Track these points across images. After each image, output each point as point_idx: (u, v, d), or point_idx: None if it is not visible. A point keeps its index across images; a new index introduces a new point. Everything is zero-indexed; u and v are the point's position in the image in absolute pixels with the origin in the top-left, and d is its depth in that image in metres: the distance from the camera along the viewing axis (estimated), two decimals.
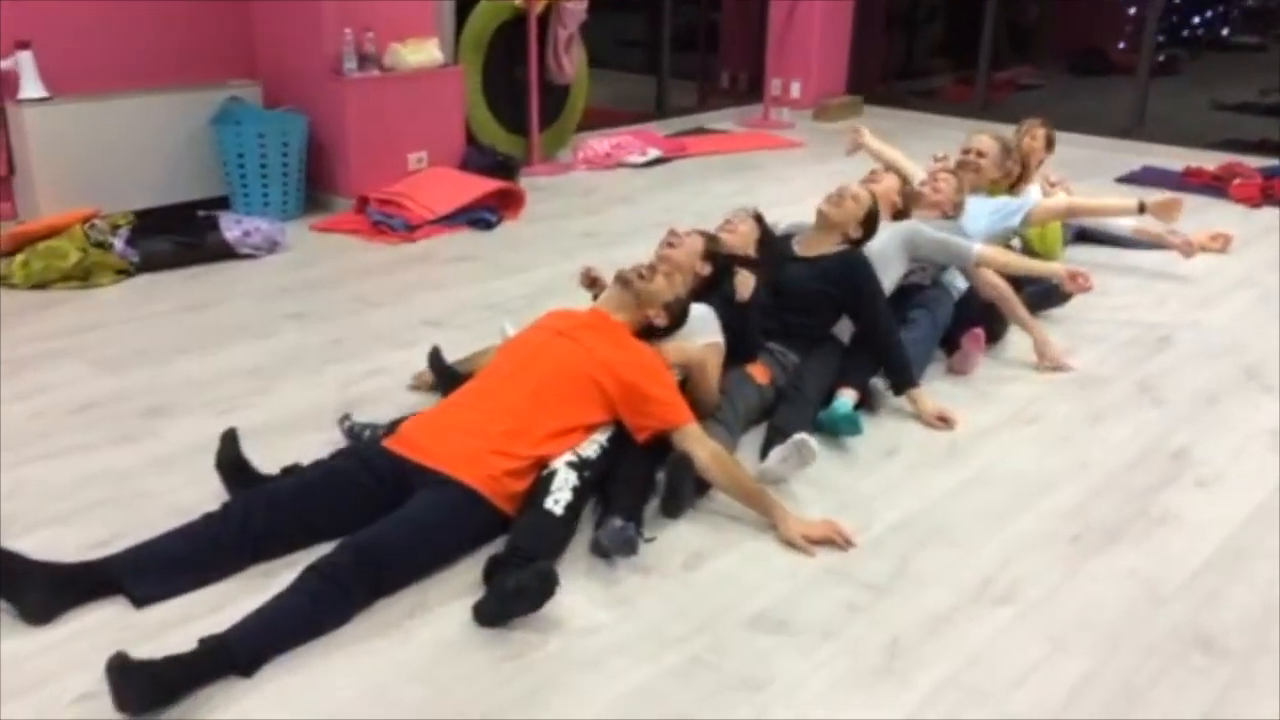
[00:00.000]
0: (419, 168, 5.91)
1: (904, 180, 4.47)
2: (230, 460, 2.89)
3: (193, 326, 4.26)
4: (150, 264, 4.81)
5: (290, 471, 2.92)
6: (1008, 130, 5.31)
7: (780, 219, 4.29)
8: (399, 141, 5.82)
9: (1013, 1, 9.15)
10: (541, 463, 2.86)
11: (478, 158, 6.13)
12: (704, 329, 3.42)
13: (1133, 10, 8.80)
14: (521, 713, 2.27)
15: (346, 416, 3.33)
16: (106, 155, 5.17)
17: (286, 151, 5.49)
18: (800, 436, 3.12)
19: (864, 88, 9.21)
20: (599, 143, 7.23)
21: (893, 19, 9.65)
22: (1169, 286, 5.01)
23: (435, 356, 3.57)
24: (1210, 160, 7.10)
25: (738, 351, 3.50)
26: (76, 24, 5.18)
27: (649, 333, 3.26)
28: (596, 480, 2.92)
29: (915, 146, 5.97)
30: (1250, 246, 5.62)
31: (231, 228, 5.04)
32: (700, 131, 8.25)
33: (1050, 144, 5.33)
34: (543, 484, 2.80)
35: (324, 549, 2.55)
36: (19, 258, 4.62)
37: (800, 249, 3.91)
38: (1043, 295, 4.40)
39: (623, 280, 3.24)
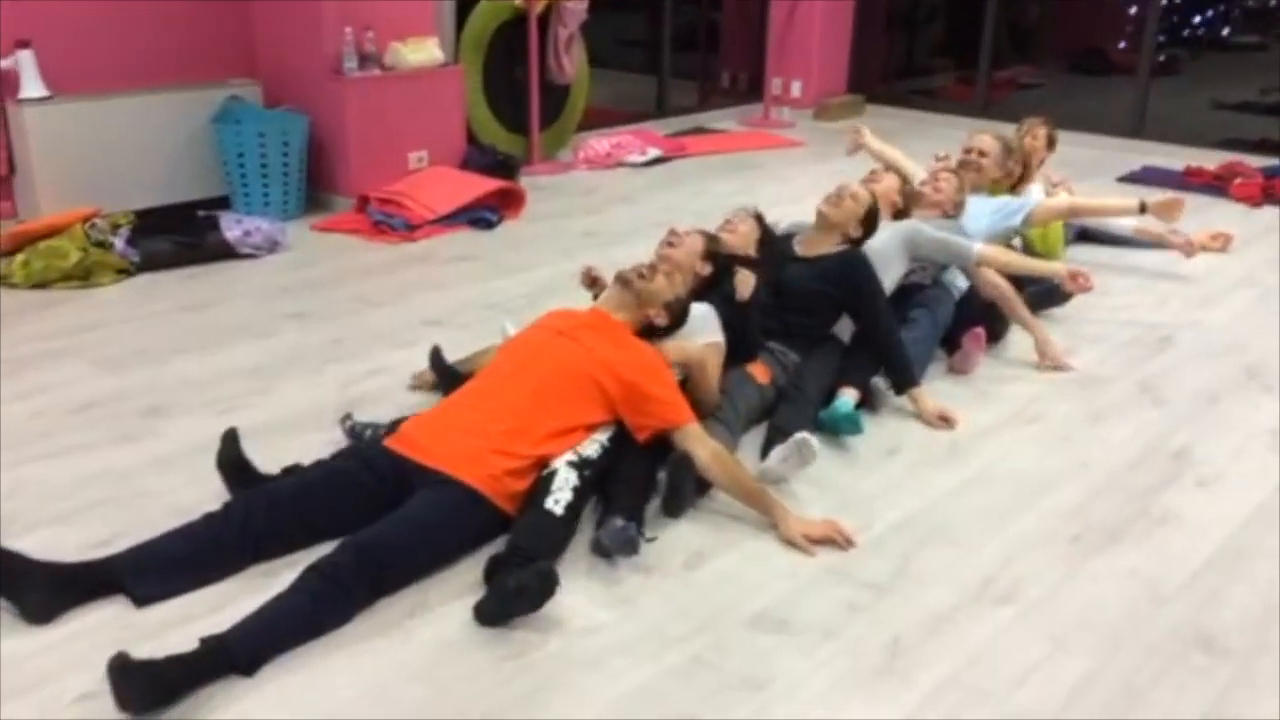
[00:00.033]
0: (419, 167, 5.91)
1: (904, 180, 4.47)
2: (231, 460, 2.89)
3: (193, 326, 4.26)
4: (151, 263, 4.81)
5: (291, 471, 2.92)
6: (1009, 129, 5.31)
7: (781, 218, 4.29)
8: (399, 141, 5.82)
9: (1013, 1, 9.14)
10: (542, 462, 2.86)
11: (478, 157, 6.13)
12: (704, 328, 3.42)
13: (1133, 10, 8.79)
14: (522, 712, 2.27)
15: (347, 416, 3.33)
16: (107, 155, 5.17)
17: (287, 151, 5.49)
18: (801, 436, 3.12)
19: (865, 87, 9.20)
20: (599, 142, 7.22)
21: (893, 18, 9.64)
22: (1170, 286, 5.01)
23: (436, 356, 3.57)
24: (1211, 160, 7.10)
25: (738, 351, 3.50)
26: (77, 23, 5.18)
27: (649, 332, 3.25)
28: (597, 480, 2.92)
29: (916, 146, 5.97)
30: (1251, 246, 5.62)
31: (232, 227, 5.04)
32: (700, 131, 8.25)
33: (1051, 143, 5.33)
34: (543, 484, 2.80)
35: (325, 549, 2.56)
36: (19, 257, 4.62)
37: (801, 249, 3.91)
38: (1044, 295, 4.40)
39: (623, 280, 3.24)
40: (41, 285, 4.57)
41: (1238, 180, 6.59)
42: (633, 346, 3.13)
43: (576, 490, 2.81)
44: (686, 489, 2.95)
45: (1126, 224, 5.36)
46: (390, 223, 5.45)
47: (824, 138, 8.06)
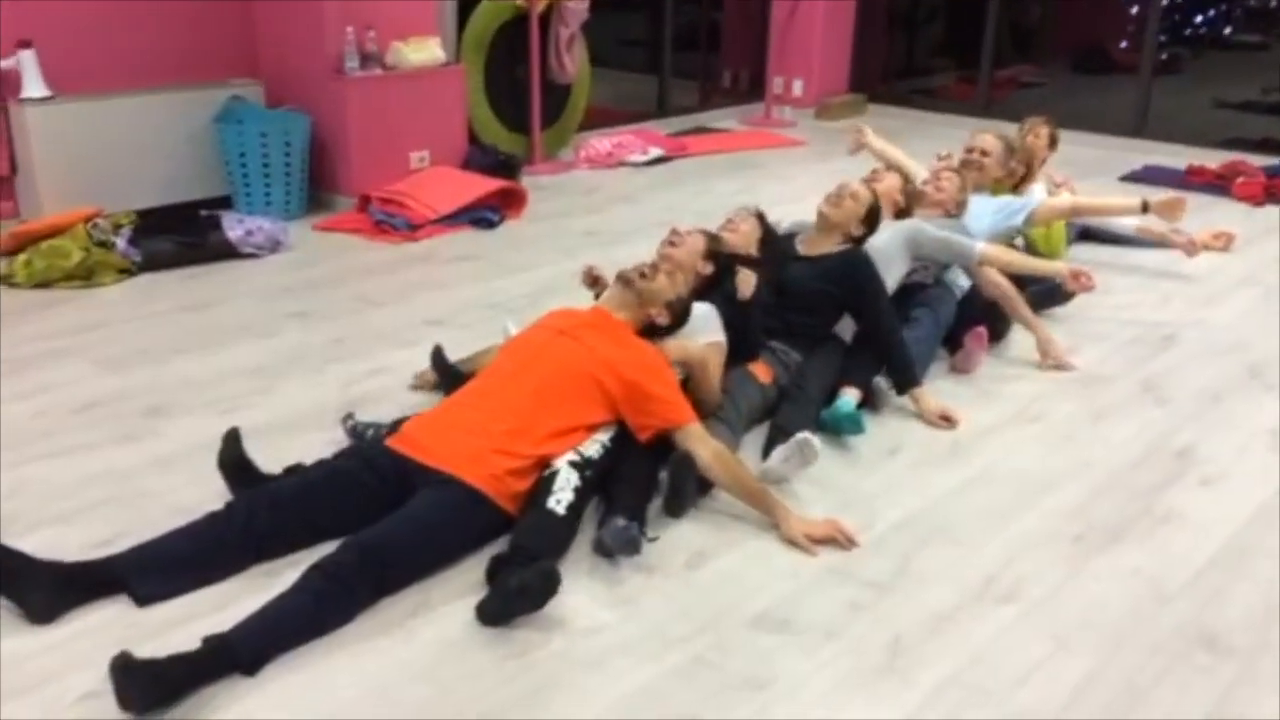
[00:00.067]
0: (421, 167, 5.91)
1: (906, 179, 4.46)
2: (233, 459, 2.89)
3: (195, 326, 4.26)
4: (152, 263, 4.81)
5: (293, 471, 2.92)
6: (1010, 129, 5.30)
7: (782, 218, 4.29)
8: (401, 140, 5.82)
9: (1015, 0, 9.14)
10: (544, 462, 2.86)
11: (480, 157, 6.13)
12: (706, 328, 3.42)
13: (1135, 9, 8.79)
14: (524, 712, 2.27)
15: (349, 416, 3.33)
16: (109, 154, 5.17)
17: (289, 151, 5.49)
18: (803, 435, 3.11)
19: (866, 86, 9.20)
20: (601, 142, 7.22)
21: (895, 17, 9.63)
22: (1172, 285, 5.00)
23: (437, 356, 3.57)
24: (1213, 159, 7.09)
25: (740, 350, 3.50)
26: (78, 23, 5.19)
27: (651, 331, 3.25)
28: (598, 480, 2.92)
29: (918, 145, 5.97)
30: (1253, 245, 5.61)
31: (234, 227, 5.04)
32: (702, 130, 8.24)
33: (1054, 142, 5.33)
34: (545, 484, 2.80)
35: (327, 548, 2.56)
36: (21, 257, 4.62)
37: (803, 248, 3.91)
38: (1045, 294, 4.39)
39: (625, 279, 3.24)
40: (43, 285, 4.58)
41: (1240, 179, 6.58)
42: (634, 346, 3.13)
43: (578, 490, 2.81)
44: (688, 489, 2.95)
45: (1129, 223, 5.36)
46: (392, 222, 5.45)
47: (825, 137, 8.05)
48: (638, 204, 6.22)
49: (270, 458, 2.97)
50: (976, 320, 4.04)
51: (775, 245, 3.93)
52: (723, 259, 3.60)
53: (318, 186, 5.77)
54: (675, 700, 2.31)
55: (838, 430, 3.43)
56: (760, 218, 3.94)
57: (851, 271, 3.72)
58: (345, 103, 5.59)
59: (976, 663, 2.45)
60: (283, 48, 5.73)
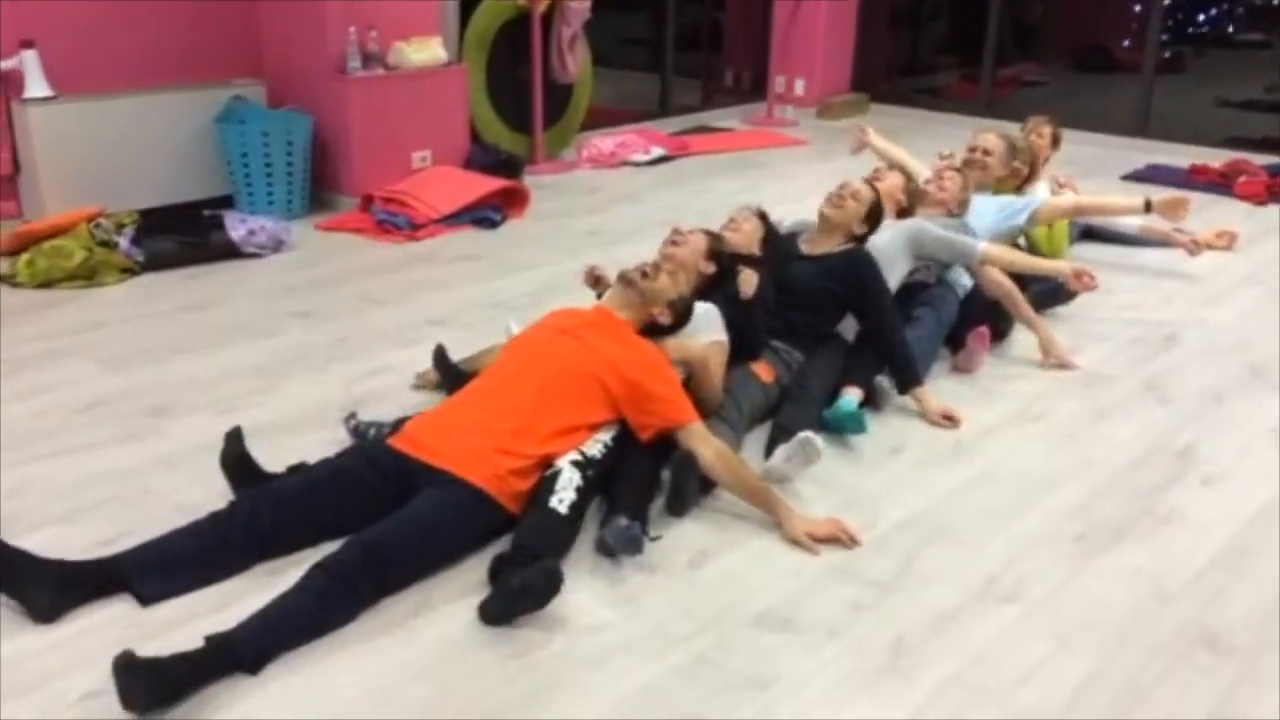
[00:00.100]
0: (423, 166, 5.91)
1: (908, 178, 4.46)
2: (235, 459, 2.89)
3: (197, 325, 4.27)
4: (155, 263, 4.81)
5: (296, 470, 2.92)
6: (1013, 128, 5.30)
7: (784, 217, 4.29)
8: (403, 140, 5.82)
9: None
10: (546, 461, 2.86)
11: (482, 156, 6.13)
12: (708, 327, 3.42)
13: (1137, 7, 8.78)
14: (526, 711, 2.27)
15: (352, 415, 3.33)
16: (111, 154, 5.18)
17: (291, 150, 5.49)
18: (805, 435, 3.11)
19: (868, 85, 9.19)
20: (603, 141, 7.22)
21: (897, 16, 9.63)
22: (1175, 284, 5.00)
23: (440, 355, 3.57)
24: (1216, 158, 7.09)
25: (742, 350, 3.50)
26: (81, 23, 5.19)
27: (653, 331, 3.25)
28: (601, 479, 2.93)
29: (920, 144, 5.97)
30: (1256, 244, 5.61)
31: (236, 227, 5.04)
32: (704, 130, 8.24)
33: (1056, 141, 5.33)
34: (547, 483, 2.80)
35: (330, 547, 2.56)
36: (24, 257, 4.63)
37: (805, 247, 3.91)
38: (1048, 293, 4.39)
39: (627, 279, 3.24)
40: (46, 285, 4.58)
41: (1242, 178, 6.58)
42: (636, 345, 3.13)
43: (580, 490, 2.81)
44: (690, 488, 2.95)
45: (1131, 222, 5.35)
46: (394, 222, 5.45)
47: (827, 136, 8.05)
48: (640, 203, 6.22)
49: (273, 457, 2.98)
50: (979, 319, 4.04)
51: (777, 244, 3.93)
52: (725, 258, 3.60)
53: (320, 186, 5.77)
54: (678, 699, 2.32)
55: (840, 429, 3.43)
56: (762, 217, 3.94)
57: (854, 270, 3.72)
58: (347, 102, 5.59)
59: (978, 662, 2.45)
60: (285, 48, 5.73)
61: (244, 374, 3.83)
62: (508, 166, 6.11)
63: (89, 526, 2.85)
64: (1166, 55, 8.36)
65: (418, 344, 3.97)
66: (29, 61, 4.95)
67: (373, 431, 3.19)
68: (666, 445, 3.00)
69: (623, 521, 2.73)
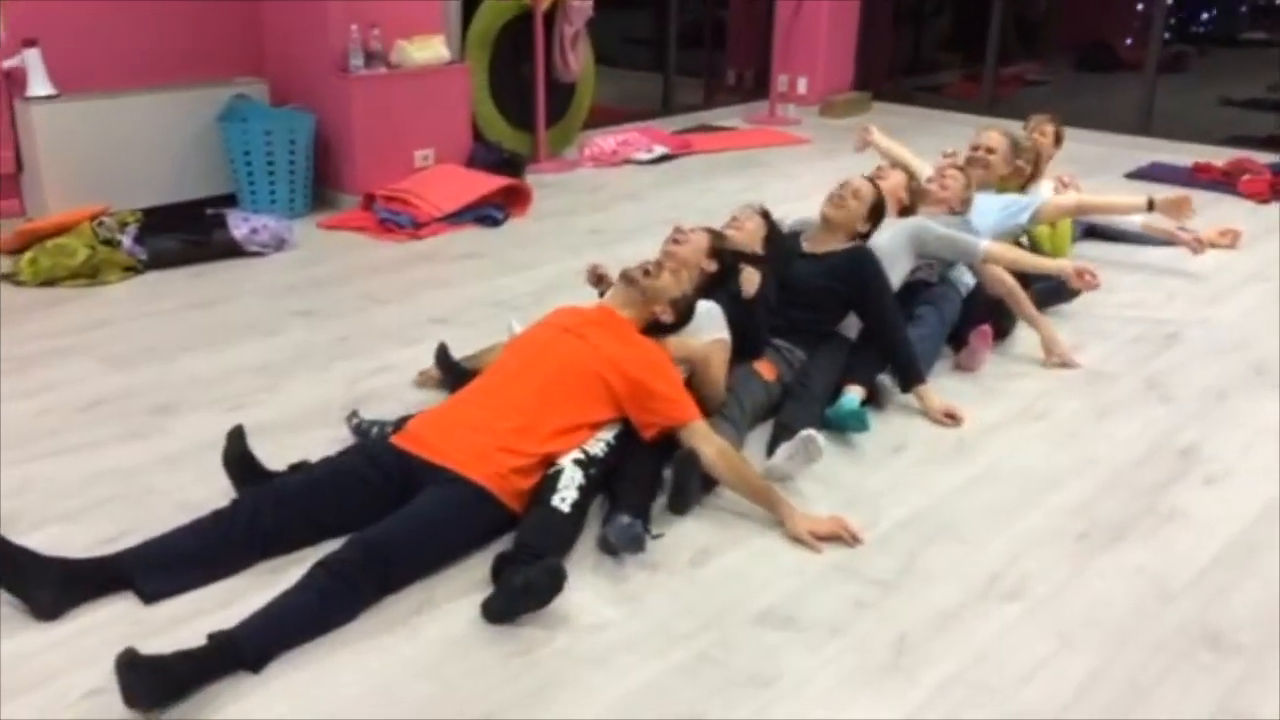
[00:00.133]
0: (425, 165, 5.91)
1: (911, 176, 4.46)
2: (237, 457, 2.90)
3: (200, 324, 4.27)
4: (158, 261, 4.82)
5: (298, 468, 2.92)
6: (1015, 126, 5.30)
7: (787, 215, 4.29)
8: (405, 139, 5.82)
9: None
10: (548, 460, 2.86)
11: (484, 155, 6.13)
12: (710, 325, 3.42)
13: (1140, 6, 8.77)
14: (529, 709, 2.27)
15: (354, 413, 3.33)
16: (114, 153, 5.18)
17: (293, 149, 5.49)
18: (807, 433, 3.11)
19: (871, 84, 9.19)
20: (605, 140, 7.22)
21: (900, 14, 9.61)
22: (1177, 283, 4.99)
23: (442, 353, 3.57)
24: (1219, 156, 7.08)
25: (744, 348, 3.50)
26: (84, 22, 5.19)
27: (656, 329, 3.26)
28: (603, 478, 2.93)
29: (923, 143, 5.96)
30: (1259, 242, 5.60)
31: (239, 225, 5.04)
32: (706, 128, 8.24)
33: (1059, 140, 5.33)
34: (549, 482, 2.80)
35: (332, 545, 2.56)
36: (27, 255, 4.63)
37: (808, 246, 3.91)
38: (1050, 292, 4.39)
39: (629, 277, 3.24)
40: (49, 283, 4.59)
41: (1246, 176, 6.57)
42: (638, 344, 3.13)
43: (582, 488, 2.81)
44: (692, 486, 2.95)
45: (1134, 220, 5.35)
46: (397, 220, 5.45)
47: (830, 135, 8.05)
48: (642, 202, 6.22)
49: (275, 455, 2.98)
50: (981, 318, 4.04)
51: (780, 243, 3.93)
52: (727, 256, 3.60)
53: (322, 185, 5.77)
54: (680, 697, 2.32)
55: (842, 428, 3.43)
56: (765, 215, 3.94)
57: (857, 268, 3.72)
58: (350, 101, 5.59)
59: (981, 660, 2.45)
60: (287, 46, 5.74)
61: (246, 372, 3.84)
62: (510, 165, 6.11)
63: (91, 524, 2.85)
64: (1170, 53, 8.35)
65: (420, 342, 3.98)
66: (32, 60, 4.96)
67: (375, 430, 3.20)
68: (669, 443, 3.00)
69: (625, 520, 2.73)
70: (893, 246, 3.93)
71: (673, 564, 2.78)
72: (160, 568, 2.56)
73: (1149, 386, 3.93)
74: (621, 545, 2.72)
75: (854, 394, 3.52)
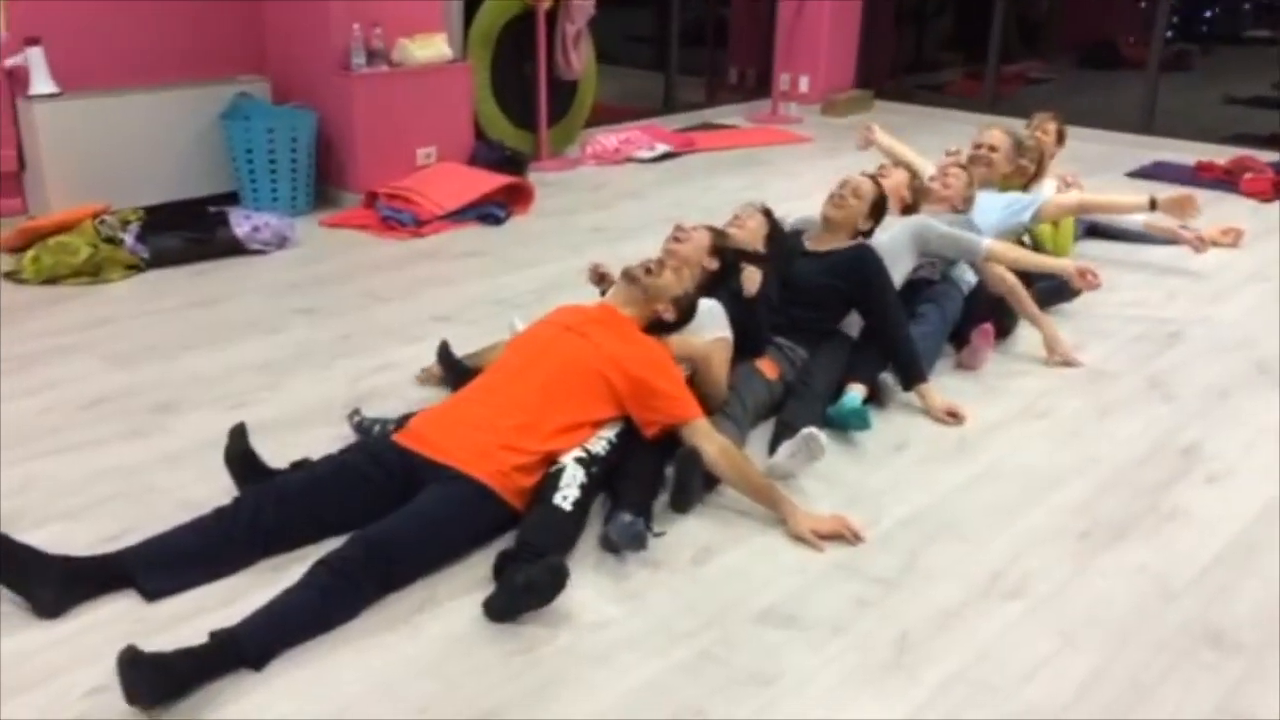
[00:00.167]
0: (428, 163, 5.91)
1: (913, 175, 4.46)
2: (239, 455, 2.90)
3: (202, 322, 4.27)
4: (160, 259, 4.82)
5: (300, 466, 2.92)
6: (1018, 125, 5.30)
7: (789, 213, 4.29)
8: (408, 137, 5.82)
9: None
10: (550, 458, 2.86)
11: (486, 153, 6.13)
12: (712, 324, 3.42)
13: (1143, 4, 8.76)
14: (531, 707, 2.27)
15: (356, 411, 3.34)
16: (116, 151, 5.18)
17: (295, 147, 5.50)
18: (809, 431, 3.11)
19: (873, 82, 9.18)
20: (607, 138, 7.22)
21: (902, 13, 9.61)
22: (1179, 282, 4.99)
23: (444, 351, 3.57)
24: (1221, 154, 7.07)
25: (746, 346, 3.50)
26: (86, 20, 5.19)
27: (658, 327, 3.25)
28: (604, 476, 2.92)
29: (925, 141, 5.96)
30: (1261, 241, 5.60)
31: (241, 223, 5.05)
32: (708, 127, 8.24)
33: (1061, 138, 5.33)
34: (551, 480, 2.80)
35: (334, 543, 2.56)
36: (30, 253, 4.63)
37: (810, 244, 3.91)
38: (1052, 290, 4.39)
39: (630, 276, 3.24)
40: (52, 281, 4.59)
41: (1248, 175, 6.56)
42: (640, 342, 3.13)
43: (584, 487, 2.81)
44: (694, 484, 2.95)
45: (1137, 219, 5.34)
46: (399, 218, 5.46)
47: (832, 133, 8.05)
48: (644, 200, 6.22)
49: (277, 453, 2.98)
50: (983, 316, 4.04)
51: (782, 241, 3.93)
52: (729, 255, 3.60)
53: (324, 183, 5.77)
54: (681, 695, 2.32)
55: (844, 426, 3.43)
56: (767, 214, 3.94)
57: (859, 266, 3.71)
58: (352, 99, 5.59)
59: (983, 659, 2.45)
60: (289, 44, 5.74)
61: (248, 370, 3.84)
62: (512, 163, 6.11)
63: (94, 522, 2.85)
64: (1174, 50, 8.34)
65: (422, 340, 3.98)
66: (34, 58, 4.96)
67: (377, 428, 3.20)
68: (670, 442, 3.00)
69: (627, 518, 2.73)
70: (895, 245, 3.93)
71: (675, 562, 2.78)
72: (162, 566, 2.56)
73: (1151, 385, 3.92)
74: (623, 543, 2.73)
75: (856, 392, 3.52)
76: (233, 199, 5.53)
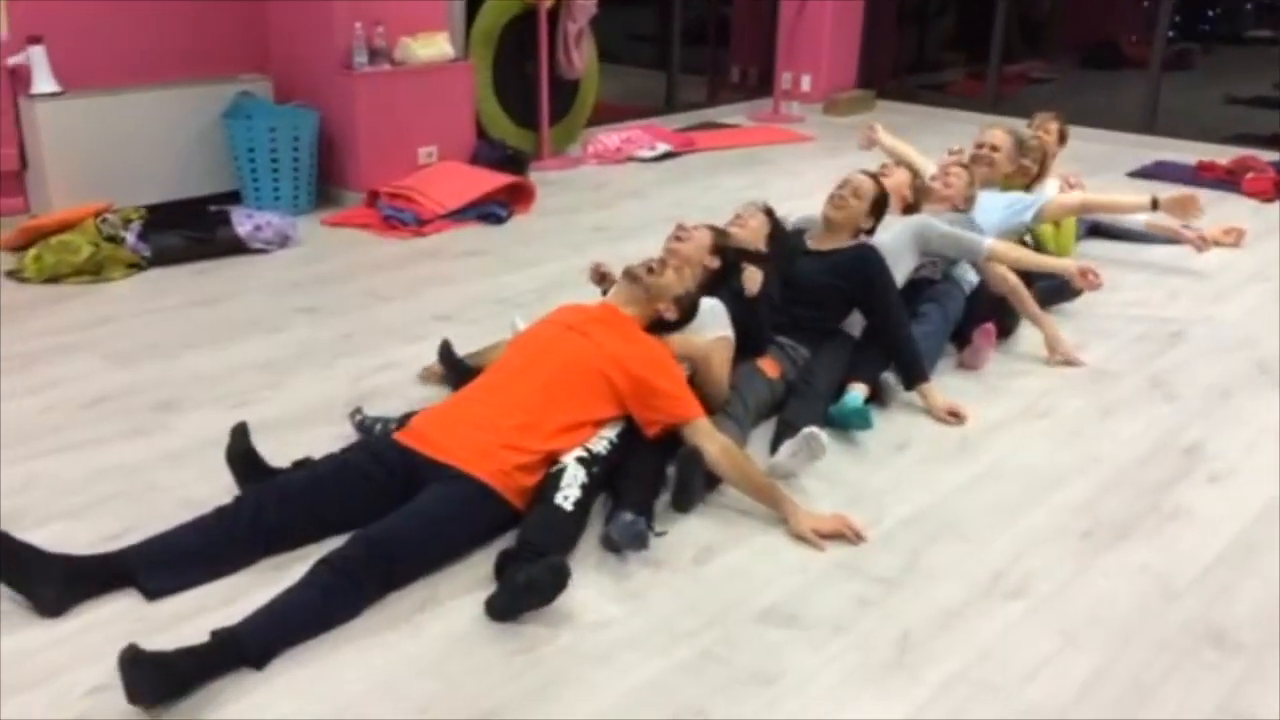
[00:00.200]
0: (429, 162, 5.92)
1: (915, 174, 4.46)
2: (241, 453, 2.90)
3: (204, 321, 4.27)
4: (162, 258, 4.82)
5: (301, 465, 2.93)
6: (1019, 124, 5.29)
7: (790, 213, 4.29)
8: (409, 136, 5.82)
9: None
10: (552, 458, 2.86)
11: (488, 152, 6.13)
12: (714, 323, 3.42)
13: (1145, 3, 8.75)
14: (532, 706, 2.27)
15: (357, 410, 3.34)
16: (118, 150, 5.19)
17: (297, 146, 5.50)
18: (810, 430, 3.11)
19: (875, 82, 9.18)
20: (609, 137, 7.22)
21: (904, 13, 9.60)
22: (1181, 281, 4.99)
23: (445, 350, 3.57)
24: (1223, 154, 7.07)
25: (747, 345, 3.50)
26: (88, 19, 5.19)
27: (659, 327, 3.25)
28: (606, 476, 2.92)
29: (927, 141, 5.96)
30: (1263, 241, 5.59)
31: (243, 222, 5.05)
32: (710, 126, 8.24)
33: (1063, 138, 5.32)
34: (552, 480, 2.80)
35: (335, 542, 2.56)
36: (31, 252, 4.64)
37: (812, 243, 3.91)
38: (1054, 290, 4.38)
39: (632, 275, 3.24)
40: (53, 280, 4.59)
41: (1250, 175, 6.56)
42: (641, 341, 3.13)
43: (585, 487, 2.81)
44: (695, 484, 2.95)
45: (1139, 218, 5.34)
46: (400, 218, 5.46)
47: (834, 132, 8.05)
48: (646, 199, 6.22)
49: (278, 452, 2.98)
50: (985, 316, 4.03)
51: (784, 240, 3.93)
52: (730, 254, 3.59)
53: (326, 182, 5.78)
54: (683, 694, 2.32)
55: (845, 425, 3.43)
56: (769, 213, 3.94)
57: (861, 266, 3.71)
58: (354, 98, 5.59)
59: (984, 658, 2.45)
60: (291, 43, 5.74)
61: (250, 369, 3.84)
62: (514, 162, 6.11)
63: (95, 521, 2.85)
64: (1175, 51, 8.33)
65: (424, 339, 3.98)
66: (36, 57, 4.96)
67: (379, 427, 3.20)
68: (672, 441, 3.00)
69: (628, 517, 2.73)
70: (897, 244, 3.92)
71: (676, 562, 2.78)
72: (163, 564, 2.56)
73: (1153, 385, 3.92)
74: (625, 543, 2.72)
75: (857, 392, 3.52)
76: (235, 198, 5.53)
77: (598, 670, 2.38)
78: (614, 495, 2.92)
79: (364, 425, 3.26)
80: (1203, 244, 5.06)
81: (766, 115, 8.61)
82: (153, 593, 2.53)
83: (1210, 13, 9.43)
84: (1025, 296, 4.09)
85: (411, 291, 4.65)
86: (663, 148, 7.23)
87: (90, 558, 2.56)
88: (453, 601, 2.58)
